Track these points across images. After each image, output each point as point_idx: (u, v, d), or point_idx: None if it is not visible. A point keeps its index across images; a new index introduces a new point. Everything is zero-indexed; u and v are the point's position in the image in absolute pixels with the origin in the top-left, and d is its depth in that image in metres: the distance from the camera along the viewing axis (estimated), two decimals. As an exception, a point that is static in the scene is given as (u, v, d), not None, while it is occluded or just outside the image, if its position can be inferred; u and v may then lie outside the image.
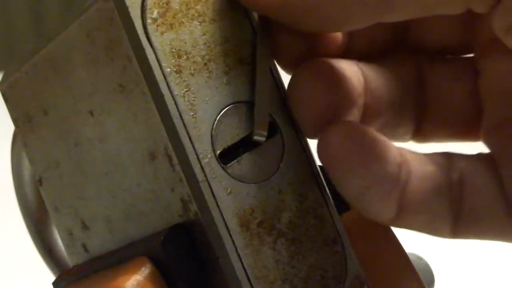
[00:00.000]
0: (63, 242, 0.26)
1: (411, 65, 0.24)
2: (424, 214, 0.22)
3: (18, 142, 0.29)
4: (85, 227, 0.24)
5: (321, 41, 0.22)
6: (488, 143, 0.23)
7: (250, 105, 0.21)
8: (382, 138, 0.22)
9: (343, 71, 0.22)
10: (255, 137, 0.21)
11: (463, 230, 0.23)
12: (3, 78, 0.26)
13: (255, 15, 0.21)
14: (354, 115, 0.22)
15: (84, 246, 0.25)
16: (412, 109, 0.24)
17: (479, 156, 0.23)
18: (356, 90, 0.22)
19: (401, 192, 0.22)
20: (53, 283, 0.25)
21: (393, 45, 0.24)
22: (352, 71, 0.22)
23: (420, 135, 0.24)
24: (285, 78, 0.22)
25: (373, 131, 0.22)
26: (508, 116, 0.23)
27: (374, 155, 0.21)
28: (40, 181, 0.26)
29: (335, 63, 0.22)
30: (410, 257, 0.24)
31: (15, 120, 0.26)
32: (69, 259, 0.26)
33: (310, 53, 0.22)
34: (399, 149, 0.22)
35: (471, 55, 0.24)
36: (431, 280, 0.33)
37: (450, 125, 0.24)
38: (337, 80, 0.22)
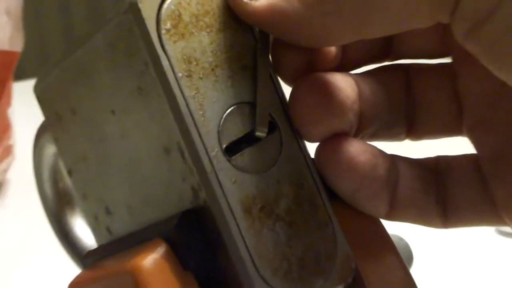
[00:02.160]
0: (89, 226, 0.26)
1: (399, 72, 0.24)
2: (414, 209, 0.23)
3: (40, 142, 0.29)
4: (108, 212, 0.24)
5: (316, 55, 0.22)
6: (470, 139, 0.23)
7: (252, 105, 0.21)
8: (370, 148, 0.22)
9: (337, 83, 0.22)
10: (257, 133, 0.21)
11: (452, 221, 0.23)
12: (37, 82, 0.26)
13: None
14: (350, 121, 0.22)
15: (107, 229, 0.25)
16: (403, 112, 0.24)
17: (465, 156, 0.23)
18: (350, 98, 0.22)
19: (391, 192, 0.22)
20: (82, 260, 0.25)
21: (381, 56, 0.24)
22: (346, 81, 0.22)
23: (413, 134, 0.24)
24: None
25: (361, 143, 0.22)
26: (484, 115, 0.23)
27: (362, 162, 0.22)
28: (69, 173, 0.26)
29: (329, 77, 0.22)
30: (392, 238, 0.24)
31: (47, 119, 0.26)
32: (95, 240, 0.26)
33: (307, 67, 0.22)
34: (391, 155, 0.23)
35: (450, 60, 0.24)
36: (410, 258, 0.33)
37: (438, 124, 0.24)
38: (331, 92, 0.22)
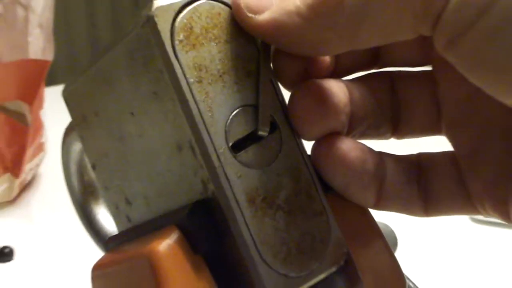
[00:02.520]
0: (111, 214, 0.26)
1: (385, 79, 0.24)
2: (399, 200, 0.23)
3: (67, 140, 0.29)
4: (128, 202, 0.24)
5: (313, 63, 0.22)
6: (448, 138, 0.23)
7: (255, 108, 0.21)
8: (360, 145, 0.22)
9: (331, 88, 0.22)
10: (260, 133, 0.20)
11: (433, 211, 0.23)
12: (65, 87, 0.26)
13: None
14: (342, 122, 0.22)
15: (127, 217, 0.25)
16: (389, 114, 0.24)
17: (443, 153, 0.23)
18: (342, 102, 0.22)
19: (379, 185, 0.22)
20: (104, 245, 0.25)
21: (369, 64, 0.24)
22: (338, 87, 0.22)
23: (397, 133, 0.24)
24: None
25: (352, 141, 0.22)
26: (460, 117, 0.23)
27: (352, 158, 0.22)
28: (93, 167, 0.26)
29: (324, 83, 0.22)
30: (379, 225, 0.24)
31: (74, 120, 0.26)
32: (116, 227, 0.26)
33: (304, 74, 0.22)
34: (378, 152, 0.23)
35: (430, 68, 0.24)
36: (394, 242, 0.33)
37: (420, 124, 0.24)
38: (326, 96, 0.22)
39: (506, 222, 0.21)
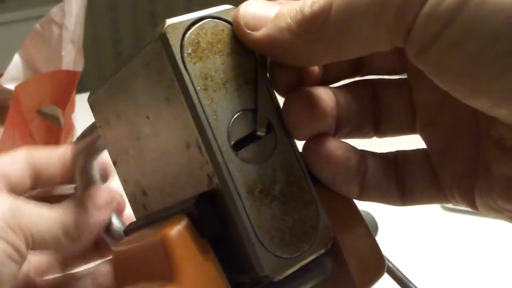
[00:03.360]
0: (130, 203, 0.26)
1: (368, 86, 0.24)
2: (379, 192, 0.23)
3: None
4: (144, 193, 0.24)
5: (304, 73, 0.22)
6: (422, 137, 0.23)
7: (253, 111, 0.20)
8: (345, 145, 0.22)
9: (319, 95, 0.22)
10: (258, 133, 0.20)
11: (409, 200, 0.23)
12: (90, 94, 0.26)
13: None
14: (330, 124, 0.22)
15: (143, 206, 0.25)
16: (371, 116, 0.24)
17: (418, 150, 0.23)
18: (329, 107, 0.22)
19: (361, 178, 0.22)
20: (124, 230, 0.25)
21: (354, 72, 0.24)
22: (326, 93, 0.22)
23: (379, 133, 0.24)
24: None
25: (337, 141, 0.22)
26: (432, 118, 0.23)
27: (338, 155, 0.22)
28: (114, 163, 0.26)
29: (313, 90, 0.22)
30: (362, 213, 0.24)
31: (98, 122, 0.26)
32: (134, 215, 0.26)
33: (296, 82, 0.22)
34: (361, 151, 0.23)
35: (406, 76, 0.24)
36: (375, 228, 0.33)
37: (397, 125, 0.24)
38: (315, 102, 0.22)
39: (473, 210, 0.21)
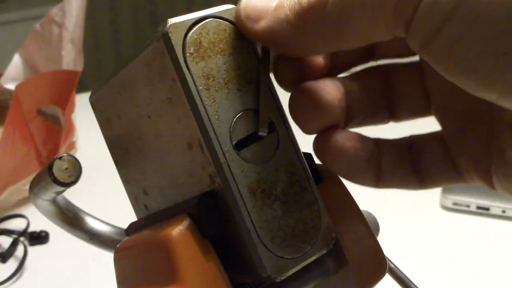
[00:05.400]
0: (131, 203, 0.26)
1: (379, 71, 0.24)
2: (396, 179, 0.23)
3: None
4: (145, 193, 0.24)
5: (308, 66, 0.22)
6: (437, 119, 0.23)
7: (255, 111, 0.20)
8: (355, 135, 0.22)
9: (324, 88, 0.22)
10: (260, 133, 0.20)
11: (426, 184, 0.23)
12: (92, 93, 0.25)
13: (259, 49, 0.21)
14: (338, 116, 0.22)
15: (145, 206, 0.25)
16: (384, 102, 0.23)
17: (432, 133, 0.23)
18: (336, 98, 0.22)
19: (376, 167, 0.22)
20: (125, 230, 0.25)
21: (365, 58, 0.24)
22: (332, 85, 0.22)
23: (394, 118, 0.24)
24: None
25: (347, 132, 0.22)
26: (445, 101, 0.22)
27: (348, 147, 0.22)
28: (116, 163, 0.26)
29: (318, 84, 0.22)
30: (363, 213, 0.23)
31: (99, 122, 0.26)
32: (135, 214, 0.26)
33: (301, 76, 0.22)
34: (374, 139, 0.23)
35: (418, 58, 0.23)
36: (377, 228, 0.33)
37: (412, 109, 0.24)
38: (320, 96, 0.21)
39: (491, 189, 0.21)
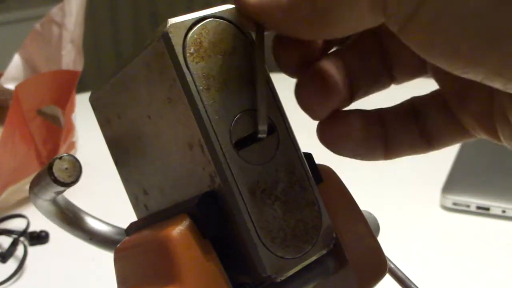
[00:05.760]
0: (131, 203, 0.26)
1: (373, 38, 0.23)
2: (404, 146, 0.22)
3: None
4: (145, 193, 0.24)
5: (308, 46, 0.22)
6: (435, 80, 0.23)
7: (255, 111, 0.20)
8: (358, 114, 0.22)
9: (329, 71, 0.22)
10: (259, 135, 0.20)
11: (435, 145, 0.23)
12: (91, 94, 0.25)
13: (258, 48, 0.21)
14: (344, 95, 0.22)
15: (145, 206, 0.25)
16: (382, 67, 0.23)
17: (434, 94, 0.23)
18: (342, 78, 0.22)
19: (383, 140, 0.22)
20: (125, 230, 0.25)
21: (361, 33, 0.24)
22: (335, 64, 0.22)
23: (395, 82, 0.24)
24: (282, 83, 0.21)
25: (350, 114, 0.22)
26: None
27: (354, 129, 0.22)
28: (116, 163, 0.26)
29: (322, 66, 0.22)
30: (363, 213, 0.23)
31: (99, 122, 0.26)
32: (135, 214, 0.26)
33: (302, 59, 0.21)
34: (376, 112, 0.23)
35: None
36: (377, 228, 0.33)
37: (411, 70, 0.23)
38: (326, 80, 0.21)
39: (498, 143, 0.21)
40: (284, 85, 0.26)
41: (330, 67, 0.22)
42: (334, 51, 0.23)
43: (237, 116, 0.20)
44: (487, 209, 0.55)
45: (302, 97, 0.21)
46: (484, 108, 0.21)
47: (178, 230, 0.19)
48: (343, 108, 0.22)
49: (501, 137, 0.20)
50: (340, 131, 0.21)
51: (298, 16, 0.18)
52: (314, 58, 0.22)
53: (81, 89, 0.77)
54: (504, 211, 0.54)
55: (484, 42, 0.16)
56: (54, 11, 0.68)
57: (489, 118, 0.21)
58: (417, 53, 0.17)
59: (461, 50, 0.16)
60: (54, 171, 0.23)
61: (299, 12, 0.18)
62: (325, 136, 0.22)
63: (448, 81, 0.22)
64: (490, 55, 0.16)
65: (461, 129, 0.22)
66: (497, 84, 0.17)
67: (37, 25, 0.68)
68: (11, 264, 0.52)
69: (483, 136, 0.21)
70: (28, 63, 0.69)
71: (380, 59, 0.23)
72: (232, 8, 0.20)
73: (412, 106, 0.23)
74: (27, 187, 0.27)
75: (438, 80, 0.23)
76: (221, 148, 0.19)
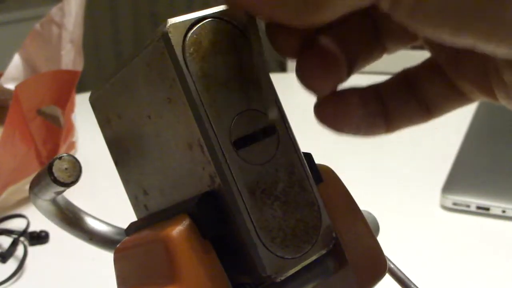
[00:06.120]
0: (131, 203, 0.26)
1: (365, 14, 0.23)
2: (404, 118, 0.22)
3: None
4: (145, 193, 0.24)
5: (305, 33, 0.21)
6: (428, 49, 0.23)
7: (256, 111, 0.20)
8: (356, 92, 0.22)
9: (328, 49, 0.21)
10: (270, 118, 0.20)
11: (435, 113, 0.23)
12: (92, 93, 0.25)
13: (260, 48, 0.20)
14: (342, 64, 0.21)
15: (145, 206, 0.25)
16: (376, 41, 0.23)
17: (425, 63, 0.23)
18: (340, 56, 0.21)
19: (383, 115, 0.22)
20: (125, 230, 0.25)
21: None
22: (328, 37, 0.22)
23: (388, 52, 0.24)
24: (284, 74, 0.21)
25: (347, 93, 0.22)
26: None
27: (353, 108, 0.22)
28: (116, 163, 0.26)
29: (320, 43, 0.21)
30: (363, 213, 0.23)
31: (99, 122, 0.26)
32: (135, 215, 0.26)
33: (296, 42, 0.21)
34: (373, 87, 0.23)
35: None
36: (376, 228, 0.33)
37: (402, 40, 0.23)
38: (326, 58, 0.21)
39: (496, 103, 0.21)
40: (284, 85, 0.26)
41: (327, 42, 0.21)
42: (327, 26, 0.23)
43: (237, 116, 0.20)
44: (487, 209, 0.55)
45: (304, 75, 0.21)
46: (479, 70, 0.21)
47: (178, 230, 0.19)
48: (342, 83, 0.22)
49: (500, 100, 0.20)
50: (340, 109, 0.21)
51: (287, 7, 0.18)
52: (309, 36, 0.22)
53: (81, 89, 0.77)
54: (504, 211, 0.54)
55: (471, 9, 0.16)
56: (54, 11, 0.68)
57: (485, 79, 0.21)
58: (411, 29, 0.18)
59: (451, 16, 0.16)
60: (54, 171, 0.23)
61: (287, 2, 0.18)
62: (325, 116, 0.21)
63: (440, 48, 0.22)
64: (477, 21, 0.16)
65: (458, 93, 0.22)
66: (488, 49, 0.17)
67: (37, 25, 0.68)
68: (11, 264, 0.52)
69: (482, 98, 0.21)
70: (28, 63, 0.69)
71: (372, 29, 0.23)
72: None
73: (406, 76, 0.23)
74: (27, 187, 0.27)
75: (430, 48, 0.23)
76: (220, 148, 0.19)
